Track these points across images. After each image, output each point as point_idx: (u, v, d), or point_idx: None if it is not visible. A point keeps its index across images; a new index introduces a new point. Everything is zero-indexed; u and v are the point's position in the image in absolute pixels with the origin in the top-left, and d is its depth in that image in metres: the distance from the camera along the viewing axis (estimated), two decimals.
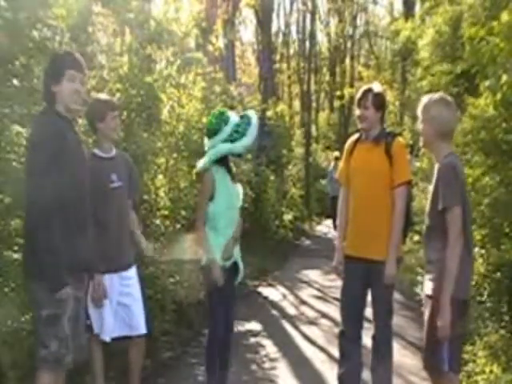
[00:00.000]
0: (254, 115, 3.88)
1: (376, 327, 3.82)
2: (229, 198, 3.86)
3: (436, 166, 3.23)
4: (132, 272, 3.83)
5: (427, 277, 3.25)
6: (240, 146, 3.78)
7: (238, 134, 3.75)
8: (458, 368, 3.21)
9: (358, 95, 3.86)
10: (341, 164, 4.09)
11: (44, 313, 2.92)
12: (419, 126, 3.29)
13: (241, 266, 3.99)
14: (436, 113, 3.16)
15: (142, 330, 3.80)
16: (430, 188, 3.25)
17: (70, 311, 2.99)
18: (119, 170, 3.75)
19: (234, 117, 3.85)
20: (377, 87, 3.86)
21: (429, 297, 3.20)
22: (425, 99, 3.26)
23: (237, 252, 3.96)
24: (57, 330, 2.93)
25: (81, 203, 3.06)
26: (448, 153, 3.18)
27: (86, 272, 3.24)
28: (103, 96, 3.97)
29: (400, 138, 3.91)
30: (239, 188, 4.04)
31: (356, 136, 3.98)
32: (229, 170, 3.94)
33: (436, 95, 3.26)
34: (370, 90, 3.81)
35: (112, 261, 3.63)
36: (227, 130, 3.76)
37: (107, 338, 3.68)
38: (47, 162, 2.86)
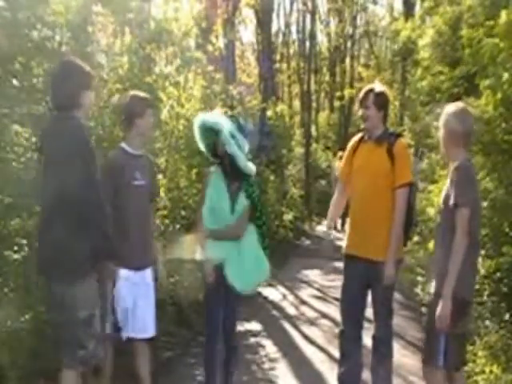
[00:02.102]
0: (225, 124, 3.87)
1: (376, 327, 3.82)
2: (214, 200, 3.85)
3: (450, 169, 3.31)
4: (147, 273, 3.76)
5: (433, 274, 3.32)
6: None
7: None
8: (455, 366, 3.25)
9: (360, 95, 3.87)
10: (342, 162, 4.09)
11: (82, 314, 3.01)
12: (439, 133, 3.41)
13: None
14: (445, 119, 3.31)
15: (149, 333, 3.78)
16: (443, 191, 3.33)
17: (99, 309, 3.14)
18: (144, 170, 3.74)
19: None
20: (379, 87, 3.88)
21: (433, 294, 3.29)
22: (445, 108, 3.40)
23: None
24: (93, 329, 3.07)
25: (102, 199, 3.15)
26: (462, 157, 3.28)
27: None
28: (141, 93, 3.98)
29: (402, 139, 3.91)
30: (242, 198, 3.94)
31: (359, 135, 3.98)
32: (229, 172, 3.92)
33: (453, 105, 3.39)
34: (371, 90, 3.82)
35: (127, 259, 3.56)
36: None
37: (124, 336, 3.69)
38: (91, 172, 2.99)
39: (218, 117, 3.96)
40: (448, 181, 3.29)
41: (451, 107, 3.36)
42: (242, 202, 3.92)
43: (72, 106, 3.10)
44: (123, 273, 3.58)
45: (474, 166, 3.52)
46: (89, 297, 3.04)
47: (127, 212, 3.60)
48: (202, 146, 3.98)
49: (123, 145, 3.74)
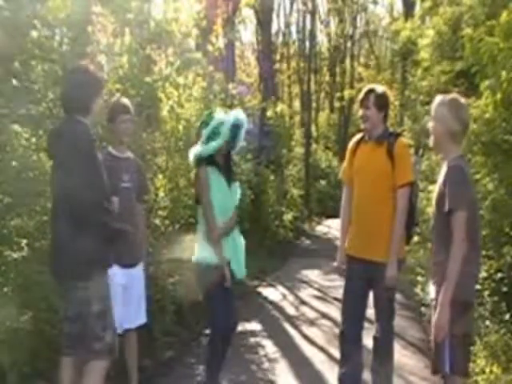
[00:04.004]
0: (232, 115, 3.87)
1: (377, 328, 3.81)
2: (223, 200, 3.86)
3: (443, 168, 3.20)
4: (137, 270, 3.94)
5: (432, 280, 3.23)
6: (210, 147, 3.80)
7: (215, 135, 3.79)
8: (463, 370, 3.13)
9: (361, 95, 3.86)
10: (344, 164, 4.08)
11: (95, 308, 3.09)
12: (430, 124, 3.26)
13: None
14: (441, 113, 3.15)
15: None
16: (436, 189, 3.23)
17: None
18: (131, 172, 3.89)
19: (216, 118, 3.83)
20: (379, 87, 3.88)
21: (433, 300, 3.19)
22: (438, 98, 3.24)
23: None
24: (107, 322, 3.15)
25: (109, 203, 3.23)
26: (457, 155, 3.15)
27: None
28: (121, 99, 4.13)
29: (403, 139, 3.89)
30: (236, 188, 4.04)
31: (359, 136, 3.97)
32: (223, 170, 3.93)
33: (449, 96, 3.24)
34: (372, 91, 3.80)
35: (118, 257, 3.66)
36: (205, 133, 3.81)
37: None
38: (98, 174, 3.08)
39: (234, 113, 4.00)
40: (441, 179, 3.16)
41: (445, 100, 3.19)
42: (237, 192, 4.04)
43: (81, 110, 3.18)
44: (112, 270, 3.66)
45: (467, 162, 3.38)
46: (101, 292, 3.13)
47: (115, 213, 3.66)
48: (219, 145, 3.83)
49: (109, 148, 3.92)
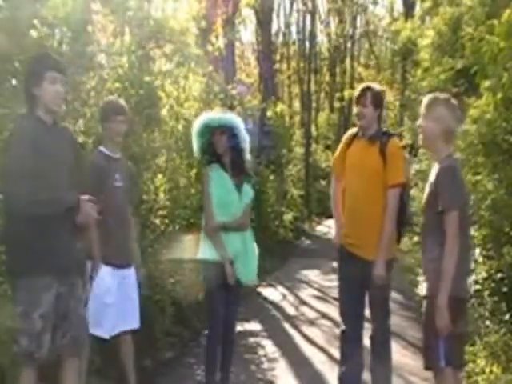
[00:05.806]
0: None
1: (373, 328, 3.81)
2: (222, 195, 3.87)
3: (435, 167, 3.21)
4: (130, 272, 3.90)
5: (423, 277, 3.26)
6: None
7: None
8: (457, 363, 3.17)
9: (357, 93, 3.85)
10: (336, 153, 4.06)
11: (17, 310, 2.98)
12: (421, 122, 3.25)
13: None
14: (438, 112, 3.15)
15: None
16: (427, 188, 3.24)
17: (45, 308, 2.99)
18: (122, 172, 3.87)
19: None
20: (376, 85, 3.89)
21: (424, 297, 3.22)
22: (430, 97, 3.25)
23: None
24: (27, 326, 2.97)
25: (56, 206, 3.03)
26: (448, 154, 3.17)
27: (74, 269, 3.21)
28: (114, 99, 4.13)
29: (395, 139, 3.88)
30: (248, 189, 4.04)
31: (355, 130, 3.96)
32: (233, 167, 3.94)
33: (441, 95, 3.25)
34: (369, 88, 3.81)
35: (112, 257, 3.72)
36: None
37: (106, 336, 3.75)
38: (23, 166, 2.87)
39: (227, 113, 4.09)
40: (432, 178, 3.16)
41: (441, 99, 3.19)
42: (248, 192, 4.04)
43: (27, 102, 3.04)
44: (107, 270, 3.71)
45: (458, 161, 3.39)
46: (28, 293, 2.96)
47: (111, 212, 3.68)
48: (197, 145, 4.02)
49: (102, 148, 3.87)
